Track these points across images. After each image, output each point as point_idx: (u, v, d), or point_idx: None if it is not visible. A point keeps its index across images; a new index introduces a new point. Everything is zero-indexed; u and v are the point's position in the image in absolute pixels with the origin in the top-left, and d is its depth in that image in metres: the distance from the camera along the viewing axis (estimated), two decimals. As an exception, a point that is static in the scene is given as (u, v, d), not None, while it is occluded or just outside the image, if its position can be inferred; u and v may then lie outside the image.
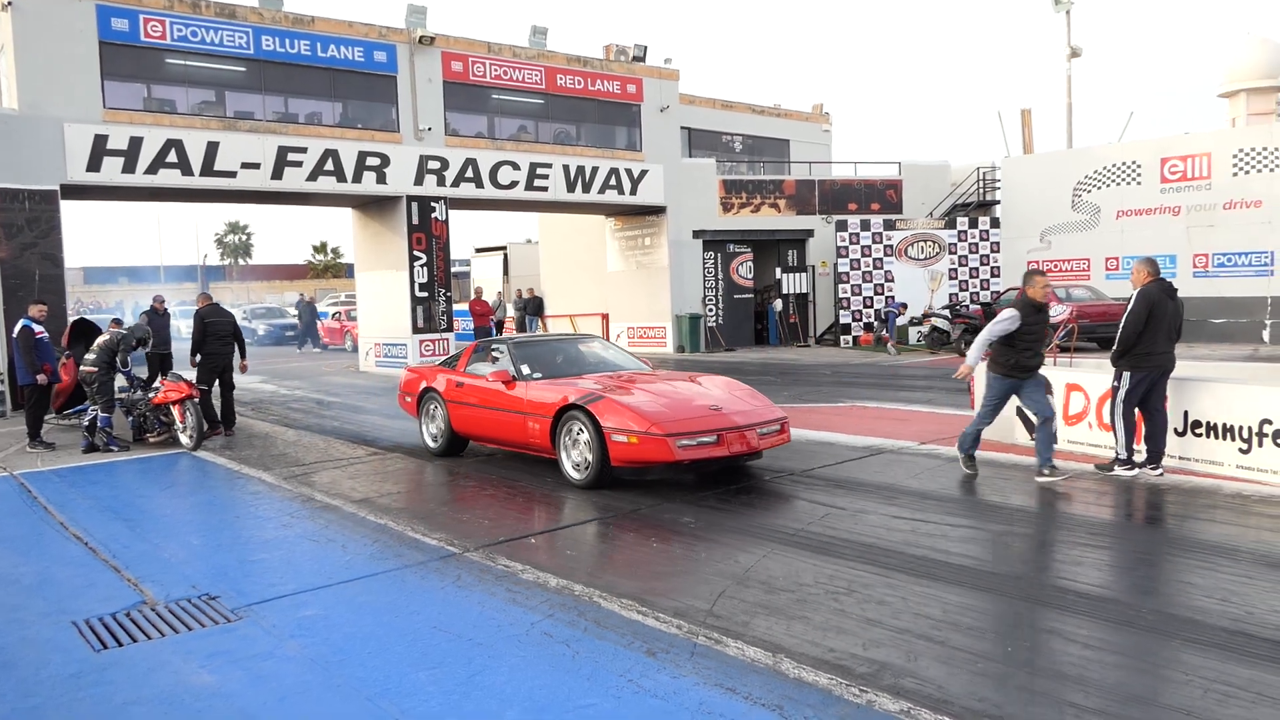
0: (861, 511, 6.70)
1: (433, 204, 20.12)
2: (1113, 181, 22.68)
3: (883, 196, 26.43)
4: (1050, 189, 23.53)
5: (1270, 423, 7.16)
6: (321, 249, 71.11)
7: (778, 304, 25.65)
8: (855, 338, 23.95)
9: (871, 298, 24.16)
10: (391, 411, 12.64)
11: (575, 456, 7.70)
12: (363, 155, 19.16)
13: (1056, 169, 23.84)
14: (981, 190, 26.93)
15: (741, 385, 8.47)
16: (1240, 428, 7.37)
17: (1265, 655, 3.97)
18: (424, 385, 9.89)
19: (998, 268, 24.29)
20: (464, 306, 23.59)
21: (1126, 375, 7.53)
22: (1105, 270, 22.60)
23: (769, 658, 4.10)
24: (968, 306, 22.41)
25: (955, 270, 24.28)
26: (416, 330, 20.06)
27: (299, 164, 18.36)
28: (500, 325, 27.69)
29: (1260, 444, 7.23)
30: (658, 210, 23.93)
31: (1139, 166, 22.25)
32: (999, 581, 5.10)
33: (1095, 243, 22.75)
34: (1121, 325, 7.47)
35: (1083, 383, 8.71)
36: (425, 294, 20.14)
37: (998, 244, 24.33)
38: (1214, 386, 7.71)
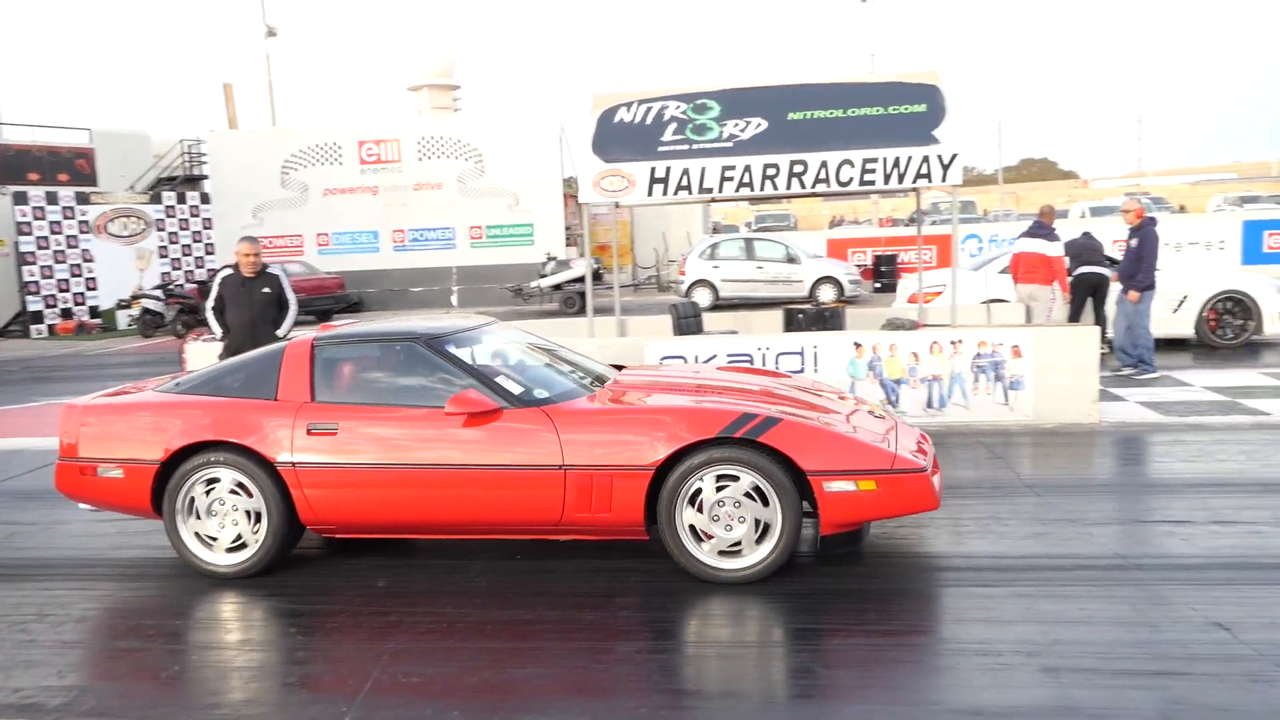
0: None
1: None
2: (318, 161, 23.64)
3: (72, 166, 23.44)
4: (260, 166, 23.53)
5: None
6: None
7: (-63, 291, 21.03)
8: (51, 326, 20.94)
9: (68, 280, 21.35)
10: None
11: (718, 529, 4.19)
12: None
13: (264, 146, 23.94)
14: (189, 164, 25.70)
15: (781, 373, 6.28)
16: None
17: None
18: (180, 442, 4.51)
19: (212, 244, 23.55)
20: None
21: None
22: (317, 246, 23.58)
23: (-76, 722, 3.22)
24: (182, 286, 21.26)
25: (166, 248, 22.83)
26: None
27: None
28: None
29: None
30: None
31: (340, 148, 23.58)
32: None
33: (306, 220, 23.53)
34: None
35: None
36: None
37: (210, 220, 23.56)
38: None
